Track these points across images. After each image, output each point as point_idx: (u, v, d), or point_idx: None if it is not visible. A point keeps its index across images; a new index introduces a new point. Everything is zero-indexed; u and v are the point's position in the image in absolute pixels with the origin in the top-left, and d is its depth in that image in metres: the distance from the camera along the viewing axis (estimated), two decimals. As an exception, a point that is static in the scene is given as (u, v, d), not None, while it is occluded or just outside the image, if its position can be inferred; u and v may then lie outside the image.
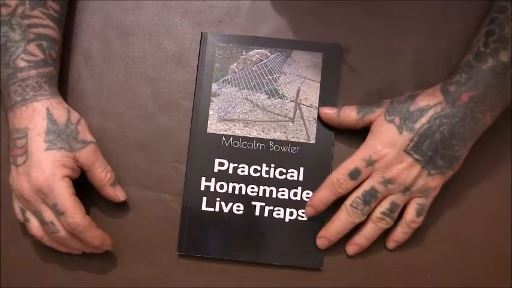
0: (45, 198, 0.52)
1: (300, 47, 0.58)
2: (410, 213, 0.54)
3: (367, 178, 0.54)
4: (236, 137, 0.57)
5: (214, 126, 0.57)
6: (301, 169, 0.57)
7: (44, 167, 0.51)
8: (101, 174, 0.55)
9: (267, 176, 0.57)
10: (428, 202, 0.54)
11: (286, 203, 0.56)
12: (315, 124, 0.57)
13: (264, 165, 0.57)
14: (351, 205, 0.54)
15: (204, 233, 0.56)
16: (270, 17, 0.60)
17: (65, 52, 0.59)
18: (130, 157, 0.58)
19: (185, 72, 0.59)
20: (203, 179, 0.57)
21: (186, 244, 0.56)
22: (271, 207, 0.56)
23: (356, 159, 0.54)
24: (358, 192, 0.54)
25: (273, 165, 0.57)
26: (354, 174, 0.53)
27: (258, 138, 0.57)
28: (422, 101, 0.53)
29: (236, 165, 0.57)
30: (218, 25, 0.60)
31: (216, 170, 0.57)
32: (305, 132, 0.57)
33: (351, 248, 0.56)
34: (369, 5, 0.59)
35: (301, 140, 0.57)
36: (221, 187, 0.57)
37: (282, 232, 0.56)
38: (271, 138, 0.57)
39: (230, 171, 0.57)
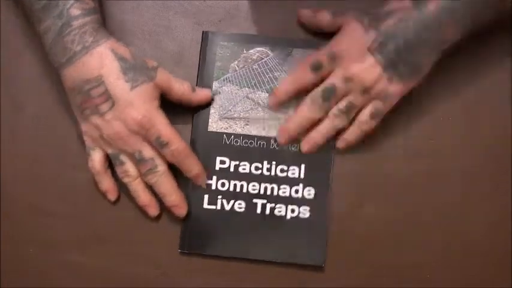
0: (146, 134, 0.53)
1: (301, 45, 0.58)
2: (364, 114, 0.54)
3: (328, 75, 0.54)
4: (237, 135, 0.57)
5: (215, 125, 0.57)
6: (302, 166, 0.57)
7: (138, 105, 0.52)
8: (180, 87, 0.55)
9: (268, 173, 0.57)
10: (385, 108, 0.54)
11: (288, 200, 0.57)
12: None
13: (265, 162, 0.57)
14: (311, 99, 0.54)
15: (206, 231, 0.56)
16: (270, 17, 0.60)
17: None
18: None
19: (185, 72, 0.59)
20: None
21: (188, 242, 0.56)
22: (273, 205, 0.56)
23: (320, 53, 0.54)
24: (319, 88, 0.54)
25: (274, 162, 0.57)
26: (316, 66, 0.54)
27: (259, 136, 0.57)
28: (391, 5, 0.53)
29: (237, 163, 0.57)
30: (218, 25, 0.60)
31: (217, 168, 0.57)
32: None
33: (306, 144, 0.56)
34: (369, 4, 0.59)
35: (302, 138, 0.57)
36: (222, 185, 0.57)
37: (284, 229, 0.56)
38: (272, 136, 0.57)
39: (231, 169, 0.57)
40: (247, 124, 0.57)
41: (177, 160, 0.54)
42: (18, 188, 0.57)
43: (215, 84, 0.58)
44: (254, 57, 0.58)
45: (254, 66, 0.58)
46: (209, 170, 0.57)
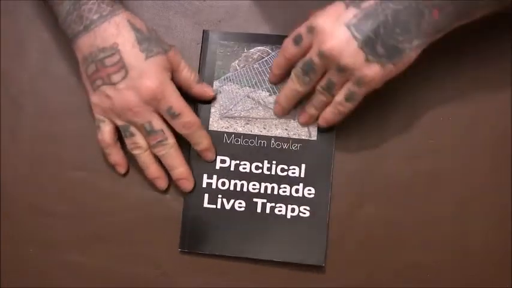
0: (158, 105, 0.53)
1: None
2: (340, 95, 0.54)
3: (309, 48, 0.54)
4: (238, 134, 0.57)
5: (216, 124, 0.57)
6: (303, 166, 0.57)
7: (152, 75, 0.52)
8: (187, 73, 0.56)
9: (269, 172, 0.57)
10: (360, 91, 0.53)
11: (288, 200, 0.56)
12: (316, 121, 0.57)
13: (265, 162, 0.57)
14: (294, 73, 0.54)
15: (206, 230, 0.56)
16: (270, 17, 0.60)
17: (63, 52, 0.59)
18: (130, 157, 0.58)
19: (185, 72, 0.59)
20: (205, 176, 0.57)
21: (189, 241, 0.56)
22: (273, 204, 0.56)
23: (302, 26, 0.54)
24: (300, 62, 0.54)
25: (274, 162, 0.57)
26: (297, 39, 0.54)
27: (260, 135, 0.57)
28: None
29: (238, 162, 0.57)
30: (218, 24, 0.60)
31: (217, 167, 0.57)
32: (306, 129, 0.57)
33: (302, 117, 0.57)
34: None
35: (303, 137, 0.57)
36: (223, 184, 0.57)
37: (284, 229, 0.56)
38: (273, 135, 0.57)
39: (232, 168, 0.57)
40: (247, 123, 0.58)
41: (188, 132, 0.54)
42: (18, 188, 0.58)
43: (216, 84, 0.58)
44: (255, 57, 0.58)
45: (255, 65, 0.58)
46: (210, 169, 0.57)
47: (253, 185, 0.57)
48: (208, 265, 0.56)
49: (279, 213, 0.56)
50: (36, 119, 0.59)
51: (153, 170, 0.56)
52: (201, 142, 0.56)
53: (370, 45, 0.51)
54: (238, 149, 0.57)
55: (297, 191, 0.57)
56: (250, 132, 0.57)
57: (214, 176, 0.57)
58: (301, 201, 0.56)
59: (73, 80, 0.59)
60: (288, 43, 0.54)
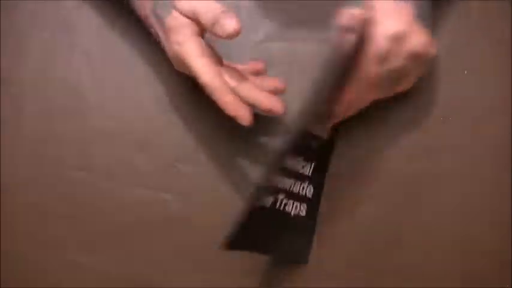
0: (184, 67, 0.53)
1: None
2: None
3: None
4: None
5: None
6: (313, 164, 0.55)
7: (170, 41, 0.52)
8: (202, 17, 0.51)
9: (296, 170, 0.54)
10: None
11: (295, 197, 0.54)
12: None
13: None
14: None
15: (252, 229, 0.52)
16: (270, 17, 0.60)
17: (65, 52, 0.59)
18: (130, 157, 0.58)
19: (185, 72, 0.59)
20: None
21: (233, 240, 0.51)
22: (287, 200, 0.54)
23: (379, 40, 0.50)
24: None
25: (300, 158, 0.54)
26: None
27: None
28: None
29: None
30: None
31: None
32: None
33: None
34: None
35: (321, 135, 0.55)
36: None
37: (287, 225, 0.54)
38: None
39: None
40: None
41: (209, 93, 0.51)
42: (18, 188, 0.58)
43: None
44: None
45: None
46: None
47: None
48: (209, 265, 0.56)
49: (287, 209, 0.54)
50: (36, 119, 0.59)
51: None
52: (225, 108, 0.51)
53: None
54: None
55: (303, 188, 0.55)
56: None
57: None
58: (303, 199, 0.55)
59: (73, 80, 0.59)
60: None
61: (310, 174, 0.55)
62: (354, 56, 0.49)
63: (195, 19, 0.51)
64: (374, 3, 0.51)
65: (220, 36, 0.49)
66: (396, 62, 0.50)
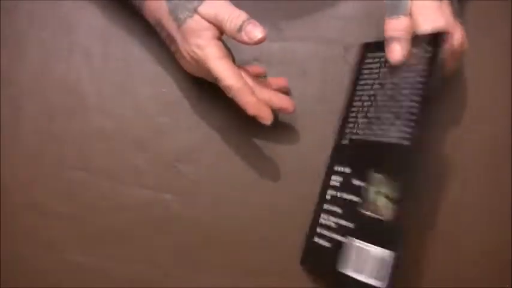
0: (203, 69, 0.53)
1: None
2: None
3: None
4: None
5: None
6: None
7: (189, 43, 0.53)
8: (226, 23, 0.52)
9: None
10: None
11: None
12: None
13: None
14: None
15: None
16: (270, 17, 0.60)
17: (64, 52, 0.59)
18: (130, 157, 0.58)
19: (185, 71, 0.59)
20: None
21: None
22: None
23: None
24: None
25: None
26: None
27: None
28: None
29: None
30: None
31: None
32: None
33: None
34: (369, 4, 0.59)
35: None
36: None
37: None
38: None
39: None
40: None
41: (231, 96, 0.53)
42: (18, 188, 0.57)
43: None
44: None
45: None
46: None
47: None
48: (209, 265, 0.56)
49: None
50: (36, 119, 0.59)
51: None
52: (245, 109, 0.52)
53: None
54: None
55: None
56: None
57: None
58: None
59: (73, 80, 0.59)
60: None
61: None
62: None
63: (216, 24, 0.52)
64: (414, 4, 0.52)
65: (245, 42, 0.51)
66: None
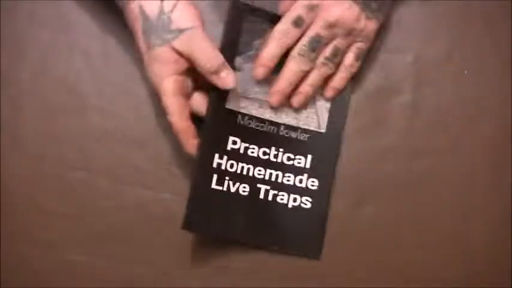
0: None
1: None
2: (349, 57, 0.55)
3: (310, 25, 0.54)
4: (251, 117, 0.56)
5: (233, 102, 0.55)
6: (309, 157, 0.56)
7: (151, 69, 0.52)
8: (203, 63, 0.52)
9: (275, 160, 0.56)
10: (366, 47, 0.56)
11: (291, 189, 0.56)
12: (327, 114, 0.57)
13: (273, 148, 0.56)
14: (298, 53, 0.54)
15: (212, 211, 0.55)
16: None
17: (64, 52, 0.59)
18: (130, 157, 0.58)
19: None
20: (216, 156, 0.55)
21: (194, 221, 0.54)
22: (276, 192, 0.56)
23: (297, 7, 0.53)
24: (304, 40, 0.54)
25: (281, 149, 0.56)
26: (298, 21, 0.53)
27: (271, 120, 0.56)
28: None
29: (247, 145, 0.56)
30: (219, 24, 0.60)
31: (229, 148, 0.55)
32: (316, 120, 0.57)
33: (296, 98, 0.56)
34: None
35: (312, 128, 0.57)
36: (231, 166, 0.55)
37: (284, 217, 0.56)
38: (283, 122, 0.57)
39: (241, 151, 0.55)
40: (260, 106, 0.56)
41: (174, 133, 0.53)
42: (18, 188, 0.57)
43: (238, 60, 0.56)
44: None
45: None
46: (221, 149, 0.55)
47: (259, 170, 0.56)
48: (209, 265, 0.56)
49: (281, 201, 0.56)
50: (36, 119, 0.59)
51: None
52: (186, 148, 0.54)
53: (367, 4, 0.54)
54: (250, 132, 0.56)
55: (300, 181, 0.56)
56: (262, 116, 0.56)
57: (225, 157, 0.55)
58: (303, 191, 0.56)
59: (73, 80, 0.59)
60: (288, 28, 0.54)
61: (308, 166, 0.56)
62: None
63: (190, 59, 0.52)
64: None
65: (216, 85, 0.53)
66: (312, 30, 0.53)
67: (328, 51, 0.55)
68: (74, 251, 0.56)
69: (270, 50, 0.54)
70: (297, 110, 0.57)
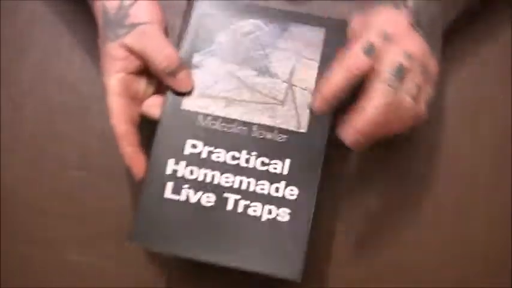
0: None
1: (300, 20, 0.52)
2: (422, 102, 0.48)
3: (383, 56, 0.46)
4: (215, 117, 0.50)
5: (190, 102, 0.50)
6: (287, 161, 0.49)
7: (102, 65, 0.49)
8: (157, 62, 0.48)
9: (246, 165, 0.49)
10: (432, 95, 0.49)
11: (265, 199, 0.49)
12: (308, 110, 0.50)
13: (244, 152, 0.49)
14: (384, 84, 0.45)
15: (164, 224, 0.48)
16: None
17: (63, 52, 0.59)
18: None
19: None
20: (171, 161, 0.49)
21: (140, 233, 0.48)
22: (247, 202, 0.49)
23: (370, 35, 0.46)
24: (386, 70, 0.46)
25: (254, 153, 0.49)
26: (370, 50, 0.46)
27: (240, 120, 0.50)
28: None
29: (212, 149, 0.49)
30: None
31: (187, 153, 0.49)
32: (296, 118, 0.50)
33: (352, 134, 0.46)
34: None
35: (291, 128, 0.50)
36: (191, 172, 0.49)
37: (257, 232, 0.48)
38: (256, 122, 0.50)
39: (204, 155, 0.49)
40: (228, 105, 0.50)
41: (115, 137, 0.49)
42: (18, 188, 0.58)
43: (196, 57, 0.51)
44: (245, 30, 0.51)
45: (243, 40, 0.51)
46: (177, 153, 0.49)
47: (227, 177, 0.49)
48: (208, 264, 0.56)
49: (253, 213, 0.48)
50: (36, 119, 0.59)
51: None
52: (122, 156, 0.49)
53: (429, 41, 0.48)
54: (214, 134, 0.49)
55: (277, 189, 0.49)
56: (229, 116, 0.50)
57: (182, 163, 0.49)
58: (280, 202, 0.49)
59: (73, 80, 0.59)
60: (357, 55, 0.46)
61: (286, 172, 0.49)
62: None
63: (142, 57, 0.48)
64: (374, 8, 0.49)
65: (172, 87, 0.49)
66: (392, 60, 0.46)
67: (410, 85, 0.46)
68: (74, 251, 0.57)
69: (335, 80, 0.47)
70: (273, 106, 0.50)
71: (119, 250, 0.56)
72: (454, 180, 0.55)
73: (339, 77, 0.46)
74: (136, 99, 0.50)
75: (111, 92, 0.48)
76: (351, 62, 0.46)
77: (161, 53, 0.48)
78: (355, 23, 0.50)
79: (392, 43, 0.47)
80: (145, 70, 0.49)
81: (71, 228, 0.57)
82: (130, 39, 0.48)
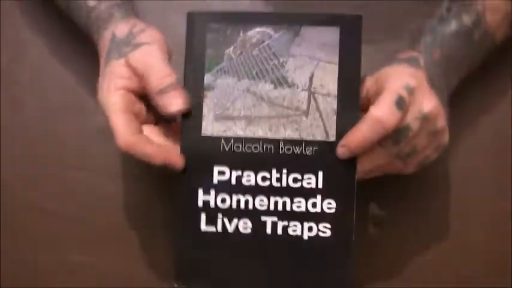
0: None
1: (311, 21, 0.47)
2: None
3: (408, 110, 0.45)
4: (238, 139, 0.47)
5: (210, 127, 0.47)
6: (320, 174, 0.47)
7: (101, 86, 0.48)
8: (151, 79, 0.46)
9: (279, 184, 0.47)
10: (431, 160, 0.49)
11: (304, 217, 0.47)
12: (335, 117, 0.47)
13: (274, 171, 0.47)
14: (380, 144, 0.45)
15: (205, 260, 0.47)
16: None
17: (63, 52, 0.59)
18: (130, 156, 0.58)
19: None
20: (200, 191, 0.47)
21: (186, 273, 0.48)
22: (286, 223, 0.47)
23: (397, 88, 0.44)
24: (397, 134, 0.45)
25: (284, 170, 0.47)
26: (401, 103, 0.44)
27: (265, 138, 0.47)
28: (405, 54, 0.49)
29: (240, 173, 0.47)
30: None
31: (215, 181, 0.47)
32: (322, 127, 0.47)
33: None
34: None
35: (318, 138, 0.47)
36: (223, 201, 0.47)
37: (301, 253, 0.47)
38: (281, 137, 0.47)
39: (233, 181, 0.47)
40: (249, 124, 0.47)
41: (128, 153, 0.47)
42: (18, 188, 0.58)
43: (207, 78, 0.47)
44: (254, 41, 0.48)
45: (254, 52, 0.48)
46: (206, 183, 0.47)
47: (261, 200, 0.47)
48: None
49: (294, 233, 0.47)
50: (36, 119, 0.59)
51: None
52: (151, 159, 0.46)
53: (443, 103, 0.48)
54: (240, 157, 0.47)
55: (314, 205, 0.47)
56: (253, 136, 0.47)
57: (212, 192, 0.47)
58: (320, 217, 0.47)
59: (73, 80, 0.59)
60: (390, 110, 0.44)
61: (321, 186, 0.47)
62: None
63: (142, 76, 0.47)
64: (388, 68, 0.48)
65: (159, 107, 0.47)
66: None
67: (406, 148, 0.46)
68: (74, 251, 0.57)
69: (361, 132, 0.45)
70: (297, 119, 0.47)
71: (118, 250, 0.57)
72: (454, 181, 0.55)
73: (367, 131, 0.45)
74: (139, 117, 0.48)
75: (113, 108, 0.47)
76: (383, 115, 0.44)
77: (157, 72, 0.46)
78: (368, 84, 0.48)
79: (414, 100, 0.45)
80: (145, 96, 0.48)
81: (71, 228, 0.57)
82: (133, 58, 0.47)
